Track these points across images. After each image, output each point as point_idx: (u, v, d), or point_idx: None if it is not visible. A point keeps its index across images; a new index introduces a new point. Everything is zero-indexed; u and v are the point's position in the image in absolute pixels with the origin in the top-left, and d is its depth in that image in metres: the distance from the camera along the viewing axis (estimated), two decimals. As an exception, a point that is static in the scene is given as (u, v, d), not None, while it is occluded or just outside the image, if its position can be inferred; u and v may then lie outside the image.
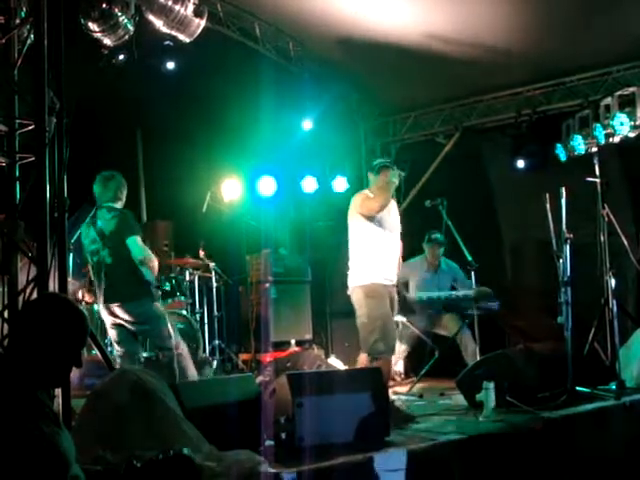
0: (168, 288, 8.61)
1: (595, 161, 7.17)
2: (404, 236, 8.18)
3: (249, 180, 9.64)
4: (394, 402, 5.90)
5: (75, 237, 6.73)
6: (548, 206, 6.85)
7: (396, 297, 6.87)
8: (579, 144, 8.75)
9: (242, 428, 4.48)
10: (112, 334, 6.47)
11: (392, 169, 6.90)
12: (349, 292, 6.79)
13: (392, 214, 6.99)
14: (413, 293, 8.56)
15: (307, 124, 9.80)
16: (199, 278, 9.16)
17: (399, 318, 8.22)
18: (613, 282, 6.88)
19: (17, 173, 5.11)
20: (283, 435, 4.62)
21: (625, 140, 8.43)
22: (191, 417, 4.25)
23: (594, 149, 8.44)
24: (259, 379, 7.13)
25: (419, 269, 8.75)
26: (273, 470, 4.02)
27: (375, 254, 6.67)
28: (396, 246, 6.95)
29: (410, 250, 8.99)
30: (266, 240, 9.23)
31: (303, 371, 6.78)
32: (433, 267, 8.77)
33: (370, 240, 6.69)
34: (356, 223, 6.75)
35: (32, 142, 5.01)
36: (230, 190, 9.47)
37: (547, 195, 6.87)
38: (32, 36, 5.12)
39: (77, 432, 3.93)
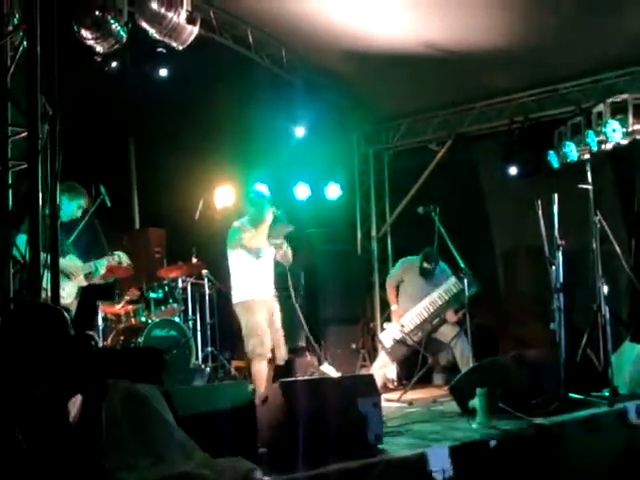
0: (161, 295, 8.59)
1: (587, 168, 7.20)
2: (397, 242, 8.19)
3: (242, 187, 9.62)
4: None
5: (70, 241, 6.75)
6: (540, 213, 6.86)
7: (277, 307, 7.43)
8: (571, 151, 8.76)
9: (235, 435, 4.47)
10: None
11: (268, 205, 7.31)
12: (234, 308, 7.41)
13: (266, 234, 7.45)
14: (405, 289, 8.58)
15: (300, 131, 9.81)
16: (192, 285, 9.13)
17: (394, 327, 8.23)
18: (606, 289, 6.89)
19: (9, 180, 5.10)
20: (276, 442, 4.61)
21: (617, 147, 8.44)
22: (184, 424, 4.24)
23: (586, 156, 8.45)
24: (252, 386, 7.13)
25: (414, 269, 8.72)
26: (266, 477, 4.01)
27: (249, 275, 7.30)
28: (270, 261, 7.48)
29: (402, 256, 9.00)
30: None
31: (296, 378, 6.77)
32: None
33: (245, 265, 7.31)
34: (235, 253, 7.32)
35: (25, 149, 5.00)
36: (223, 197, 9.46)
37: (539, 202, 6.88)
38: (25, 43, 5.12)
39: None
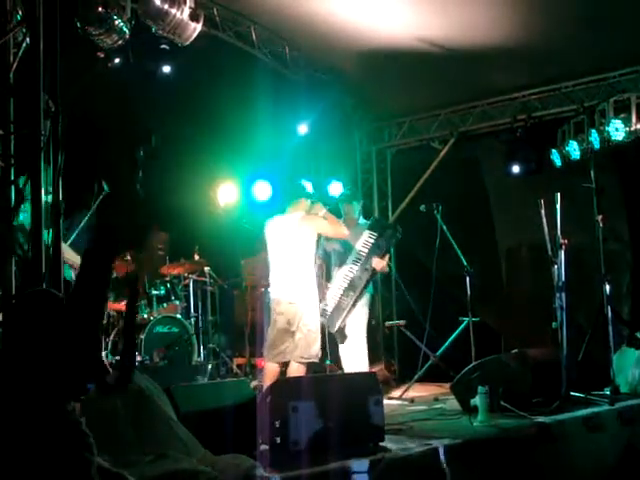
0: (163, 292, 8.60)
1: (590, 167, 7.19)
2: (400, 240, 8.16)
3: (245, 184, 9.63)
4: None
5: (70, 240, 6.74)
6: (543, 211, 6.86)
7: None
8: (574, 149, 8.77)
9: (237, 432, 4.48)
10: None
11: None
12: (292, 302, 6.83)
13: None
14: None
15: (302, 129, 9.80)
16: (194, 282, 9.14)
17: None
18: (608, 288, 6.88)
19: (12, 176, 5.10)
20: (278, 439, 4.61)
21: (620, 146, 8.44)
22: (186, 421, 4.24)
23: (589, 155, 8.46)
24: (254, 383, 7.14)
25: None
26: (267, 474, 4.02)
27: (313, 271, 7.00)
28: None
29: (405, 256, 8.99)
30: (261, 244, 9.21)
31: (298, 375, 6.78)
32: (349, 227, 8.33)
33: (312, 258, 6.98)
34: (309, 242, 6.91)
35: (27, 146, 5.00)
36: (226, 194, 9.46)
37: (542, 200, 6.88)
38: (28, 39, 5.12)
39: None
